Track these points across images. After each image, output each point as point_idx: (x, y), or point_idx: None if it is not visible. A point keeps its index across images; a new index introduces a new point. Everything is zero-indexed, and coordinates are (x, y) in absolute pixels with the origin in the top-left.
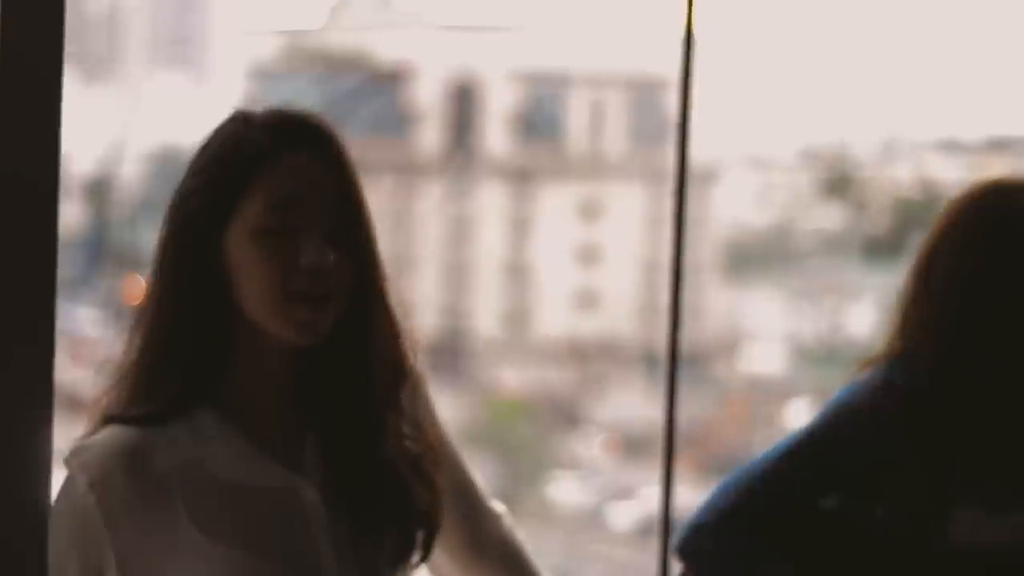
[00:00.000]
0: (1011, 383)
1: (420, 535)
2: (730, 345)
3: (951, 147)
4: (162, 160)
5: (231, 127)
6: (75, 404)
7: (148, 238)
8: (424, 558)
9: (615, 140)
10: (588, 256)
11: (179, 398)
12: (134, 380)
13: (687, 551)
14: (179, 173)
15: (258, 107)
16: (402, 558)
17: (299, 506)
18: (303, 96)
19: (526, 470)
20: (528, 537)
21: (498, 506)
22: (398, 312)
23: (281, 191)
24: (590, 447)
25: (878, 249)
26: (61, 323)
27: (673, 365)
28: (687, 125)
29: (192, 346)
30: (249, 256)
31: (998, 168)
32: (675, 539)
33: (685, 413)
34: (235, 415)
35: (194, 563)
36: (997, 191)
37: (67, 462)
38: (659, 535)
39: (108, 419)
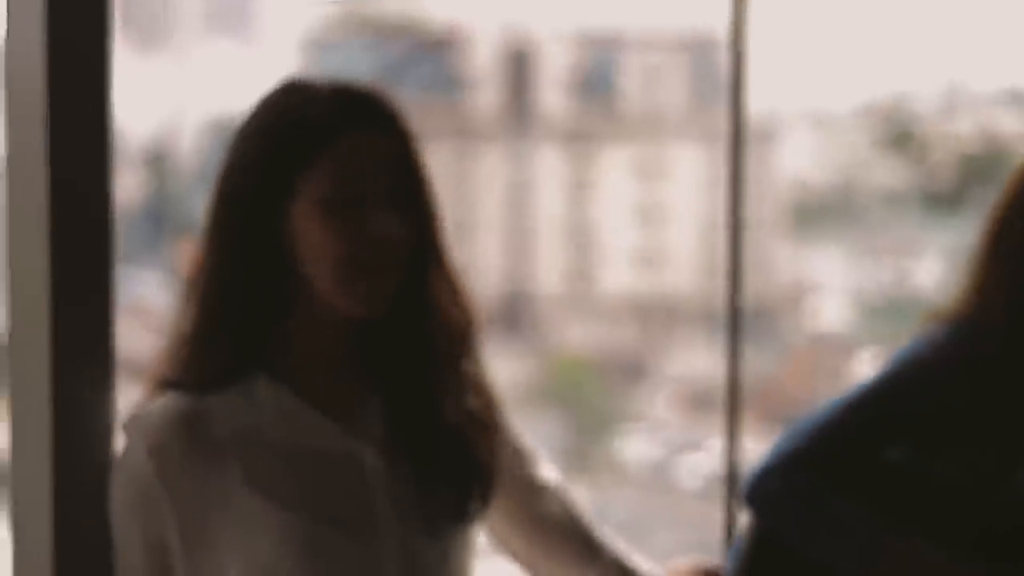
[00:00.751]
0: None
1: (479, 490)
2: (794, 301)
3: (1015, 99)
4: (219, 129)
5: (291, 100)
6: (140, 371)
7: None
8: (482, 511)
9: (672, 100)
10: (648, 216)
11: (235, 365)
12: (190, 347)
13: (753, 494)
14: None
15: (315, 78)
16: (464, 514)
17: (358, 470)
18: (355, 63)
19: (593, 427)
20: (597, 493)
21: (551, 473)
22: (459, 278)
23: (346, 165)
24: (656, 403)
25: (940, 204)
26: (125, 291)
27: (734, 320)
28: (741, 83)
29: (249, 314)
30: (315, 227)
31: None
32: (741, 487)
33: (750, 368)
34: (291, 381)
35: (253, 527)
36: None
37: (125, 429)
38: (724, 488)
39: (165, 385)
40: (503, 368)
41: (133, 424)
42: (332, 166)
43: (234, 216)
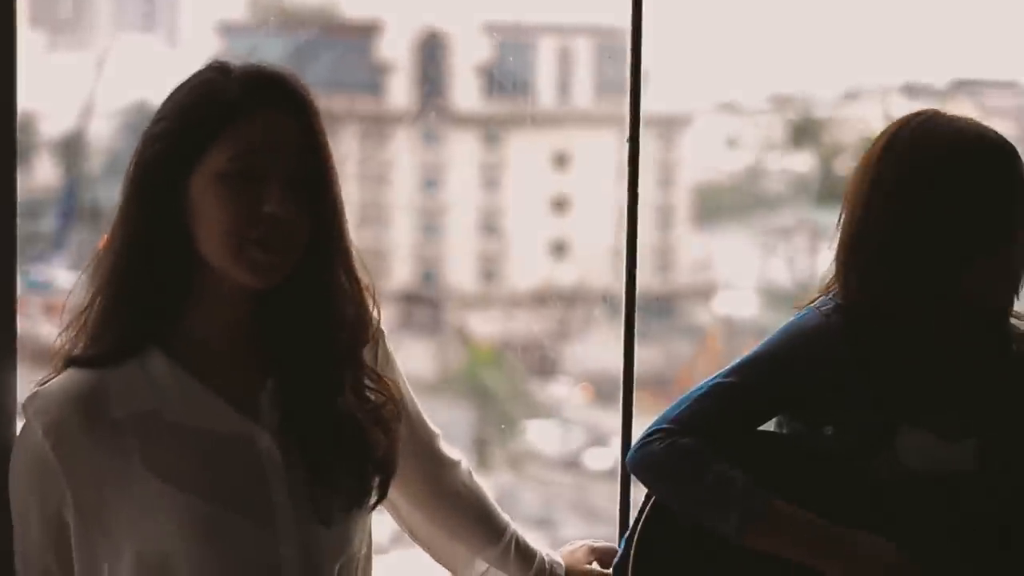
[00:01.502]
0: (943, 311)
1: (376, 481)
2: (704, 289)
3: (916, 90)
4: (133, 117)
5: (206, 76)
6: (49, 358)
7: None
8: (378, 501)
9: (583, 90)
10: (560, 205)
11: (132, 338)
12: (91, 321)
13: (636, 459)
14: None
15: (232, 60)
16: (357, 502)
17: (253, 452)
18: (267, 50)
19: (502, 418)
20: (505, 484)
21: (456, 454)
22: (359, 268)
23: (249, 140)
24: (566, 394)
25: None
26: (36, 279)
27: (630, 307)
28: (639, 73)
29: (149, 286)
30: (211, 199)
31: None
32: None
33: (661, 355)
34: (187, 358)
35: (149, 507)
36: (897, 125)
37: (24, 407)
38: (620, 469)
39: (65, 362)
40: (412, 355)
41: (31, 402)
42: (236, 142)
43: (141, 190)
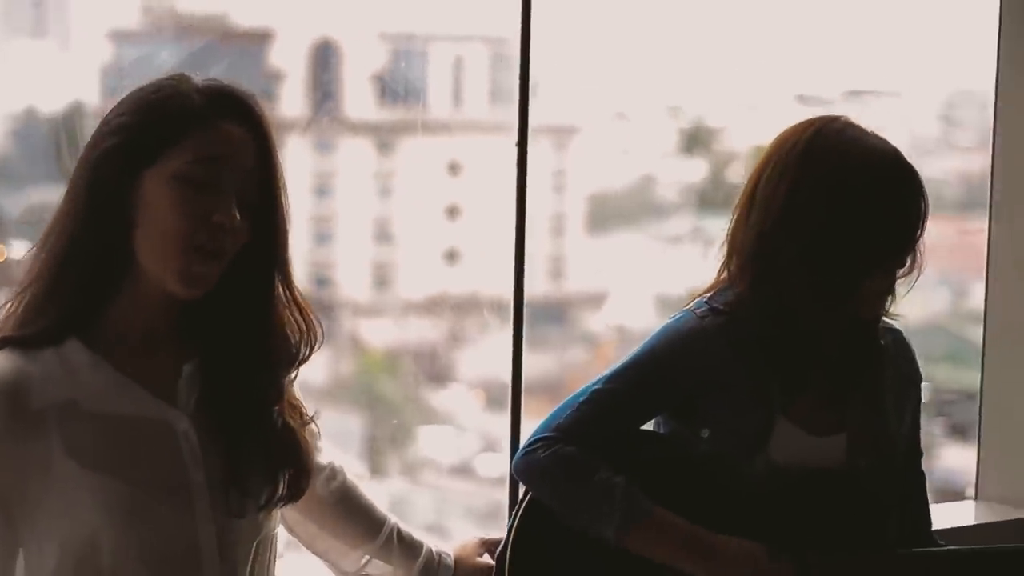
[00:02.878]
0: (819, 309)
1: (288, 477)
2: (597, 296)
3: (809, 100)
4: (22, 123)
5: (170, 83)
6: None
7: (5, 203)
8: (292, 499)
9: (476, 99)
10: (453, 212)
11: (56, 328)
12: (26, 301)
13: (520, 466)
14: (39, 137)
15: (195, 75)
16: (271, 498)
17: (171, 436)
18: (162, 58)
19: (395, 426)
20: (400, 491)
21: (325, 459)
22: (297, 289)
23: (209, 149)
24: (458, 401)
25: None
26: None
27: (518, 313)
28: (527, 80)
29: (79, 280)
30: (165, 199)
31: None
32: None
33: (554, 362)
34: (106, 349)
35: (71, 493)
36: (815, 127)
37: None
38: (509, 473)
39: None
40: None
41: None
42: (198, 147)
43: (97, 176)
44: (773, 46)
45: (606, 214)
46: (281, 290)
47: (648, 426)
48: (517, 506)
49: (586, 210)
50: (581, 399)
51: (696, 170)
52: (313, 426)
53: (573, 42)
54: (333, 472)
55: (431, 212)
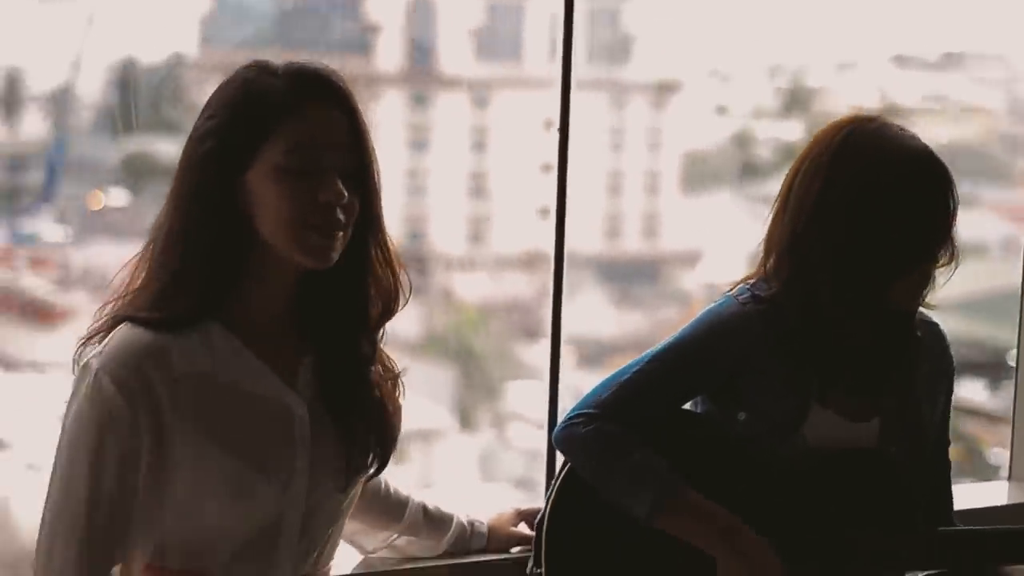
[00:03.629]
0: (849, 308)
1: (378, 444)
2: (691, 255)
3: (907, 62)
4: (122, 73)
5: (252, 75)
6: (35, 309)
7: (108, 150)
8: (380, 466)
9: (575, 56)
10: (547, 168)
11: (194, 309)
12: (153, 288)
13: (561, 439)
14: (138, 87)
15: (275, 60)
16: (359, 473)
17: (288, 419)
18: (257, 10)
19: (488, 379)
20: (488, 445)
21: None
22: (393, 250)
23: (304, 135)
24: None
25: None
26: (23, 232)
27: (559, 266)
28: (570, 36)
29: (211, 264)
30: (273, 191)
31: (952, 82)
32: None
33: (646, 320)
34: (240, 331)
35: (194, 463)
36: (850, 127)
37: (87, 366)
38: (547, 442)
39: (121, 319)
40: (398, 315)
41: (98, 360)
42: (290, 136)
43: (204, 174)
44: (872, 6)
45: (702, 173)
46: (374, 251)
47: (687, 407)
48: (556, 477)
49: (681, 168)
50: (623, 377)
51: (793, 130)
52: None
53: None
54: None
55: (526, 168)
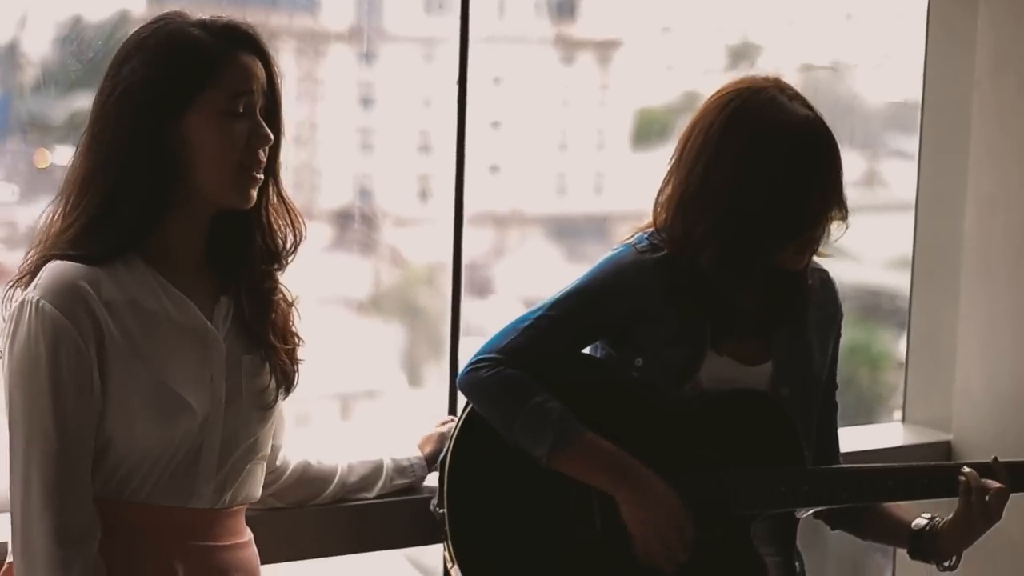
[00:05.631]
0: (733, 276)
1: (280, 362)
2: (639, 213)
3: (856, 17)
4: (67, 30)
5: (179, 27)
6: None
7: (54, 108)
8: (286, 382)
9: (521, 11)
10: (495, 125)
11: (119, 245)
12: (75, 229)
13: (464, 382)
14: (84, 44)
15: (192, 13)
16: (276, 400)
17: (208, 350)
18: None
19: (434, 337)
20: (438, 402)
21: (281, 440)
22: (286, 192)
23: (239, 84)
24: (498, 314)
25: None
26: None
27: (459, 220)
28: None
29: (138, 203)
30: (212, 134)
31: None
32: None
33: None
34: (161, 266)
35: (126, 383)
36: (737, 98)
37: (24, 300)
38: (449, 389)
39: (50, 256)
40: (346, 272)
41: (37, 291)
42: (229, 84)
43: (134, 125)
44: None
45: (650, 129)
46: (274, 190)
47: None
48: (457, 419)
49: (630, 125)
50: (525, 323)
51: None
52: (297, 357)
53: None
54: (285, 459)
55: (473, 125)
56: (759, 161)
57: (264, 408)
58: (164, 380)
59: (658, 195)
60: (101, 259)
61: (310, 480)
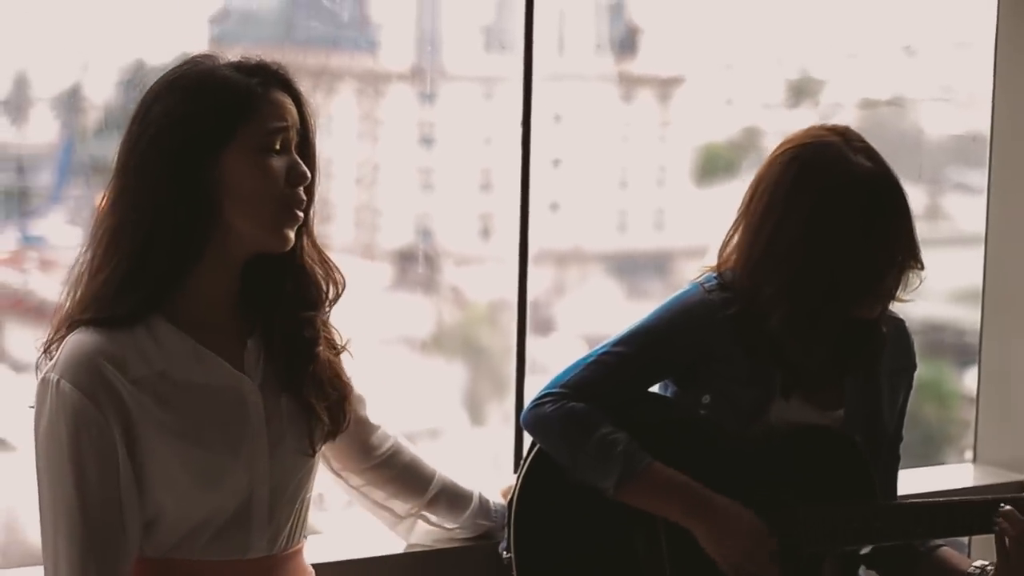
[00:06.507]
0: (810, 328)
1: (329, 408)
2: (700, 249)
3: (915, 51)
4: (130, 74)
5: (210, 66)
6: (45, 312)
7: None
8: (335, 429)
9: (581, 49)
10: (556, 162)
11: (143, 305)
12: (109, 283)
13: (528, 419)
14: (146, 86)
15: (222, 55)
16: (321, 442)
17: (243, 405)
18: (265, 7)
19: (496, 376)
20: (497, 443)
21: (376, 420)
22: (318, 237)
23: (274, 120)
24: (561, 352)
25: None
26: (33, 234)
27: (523, 258)
28: (531, 33)
29: (170, 258)
30: (252, 172)
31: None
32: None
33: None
34: (185, 322)
35: (161, 459)
36: (805, 144)
37: (47, 376)
38: (515, 428)
39: (75, 322)
40: (407, 312)
41: (57, 368)
42: (265, 121)
43: (166, 164)
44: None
45: (712, 165)
46: (308, 235)
47: (654, 389)
48: (523, 460)
49: (691, 161)
50: (590, 360)
51: (802, 121)
52: (360, 392)
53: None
54: (385, 434)
55: (535, 162)
56: (828, 220)
57: (308, 454)
58: (204, 448)
59: (725, 241)
60: (126, 323)
61: (414, 475)
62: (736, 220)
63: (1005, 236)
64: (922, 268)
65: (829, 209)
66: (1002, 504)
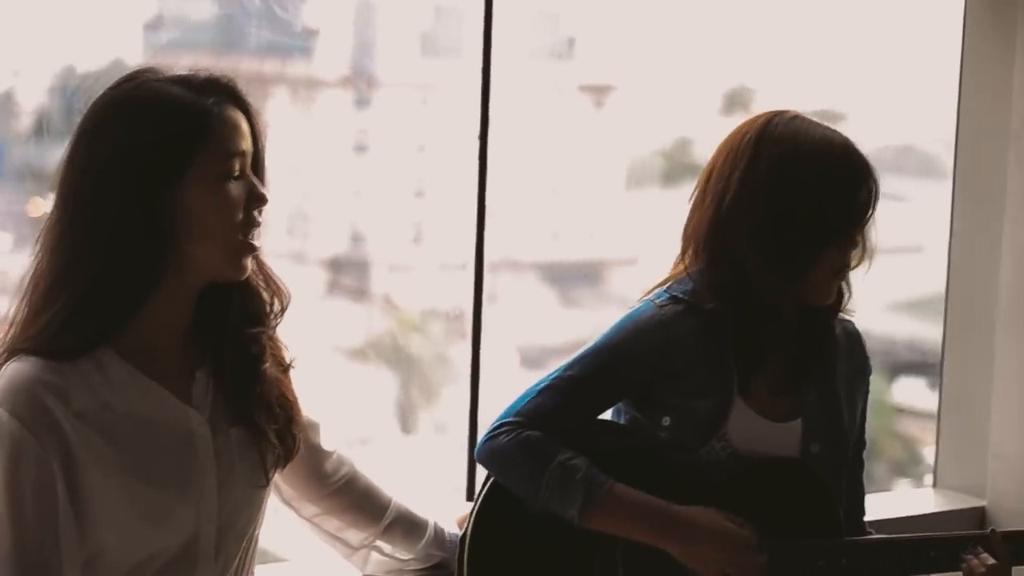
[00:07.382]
0: (772, 284)
1: (277, 430)
2: (631, 259)
3: (849, 63)
4: (62, 80)
5: (160, 86)
6: None
7: (48, 156)
8: (286, 454)
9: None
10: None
11: (90, 339)
12: (45, 317)
13: (483, 451)
14: (78, 93)
15: (169, 69)
16: (271, 472)
17: (191, 441)
18: (200, 13)
19: (427, 384)
20: (431, 451)
21: (331, 446)
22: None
23: (231, 144)
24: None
25: None
26: None
27: (479, 263)
28: (490, 39)
29: (121, 293)
30: (213, 201)
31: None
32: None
33: (587, 324)
34: (133, 354)
35: (105, 493)
36: (759, 120)
37: None
38: (468, 454)
39: (16, 350)
40: (339, 319)
41: (0, 399)
42: (222, 145)
43: (122, 198)
44: (813, 9)
45: (643, 175)
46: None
47: (607, 416)
48: (476, 496)
49: (623, 171)
50: (543, 385)
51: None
52: (313, 418)
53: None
54: (340, 460)
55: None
56: (797, 162)
57: (260, 486)
58: (148, 484)
59: (684, 230)
60: (69, 355)
61: (370, 502)
62: (692, 206)
63: (968, 256)
64: (870, 265)
65: (800, 152)
66: (970, 543)
